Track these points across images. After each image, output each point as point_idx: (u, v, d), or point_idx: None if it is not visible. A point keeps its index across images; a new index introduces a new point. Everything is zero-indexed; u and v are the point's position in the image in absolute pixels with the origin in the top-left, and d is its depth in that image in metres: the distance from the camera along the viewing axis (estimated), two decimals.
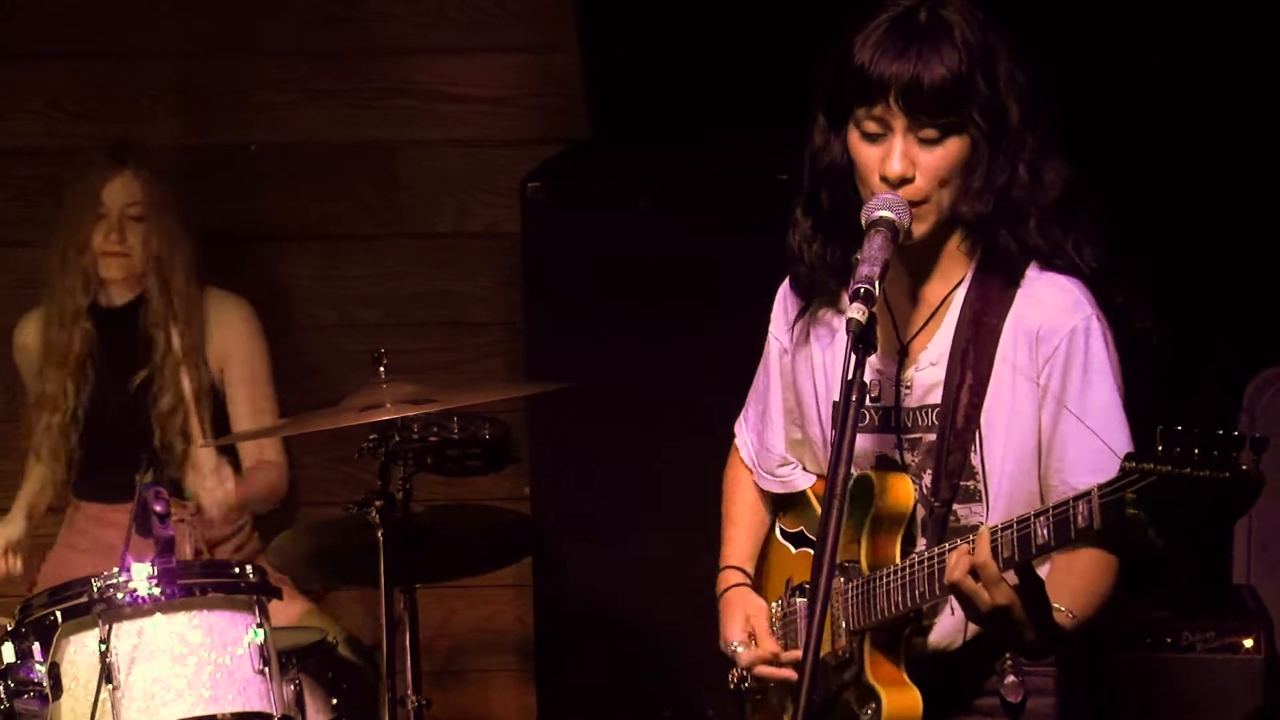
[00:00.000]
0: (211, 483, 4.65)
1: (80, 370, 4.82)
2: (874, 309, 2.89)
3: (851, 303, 2.89)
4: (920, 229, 3.05)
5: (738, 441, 3.54)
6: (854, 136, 3.08)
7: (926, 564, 3.04)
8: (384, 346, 4.27)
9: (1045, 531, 2.85)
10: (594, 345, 4.89)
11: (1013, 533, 2.90)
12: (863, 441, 3.01)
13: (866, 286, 2.89)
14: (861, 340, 2.89)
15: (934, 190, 3.05)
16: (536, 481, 5.04)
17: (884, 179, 3.03)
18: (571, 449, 4.96)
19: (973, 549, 2.94)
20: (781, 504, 3.49)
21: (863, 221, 3.01)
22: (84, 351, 4.82)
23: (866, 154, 3.06)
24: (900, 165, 3.03)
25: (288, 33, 5.37)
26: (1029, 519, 2.88)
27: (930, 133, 3.03)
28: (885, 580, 3.12)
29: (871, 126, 3.05)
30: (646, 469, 4.84)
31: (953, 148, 3.04)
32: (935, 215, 3.07)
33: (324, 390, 4.99)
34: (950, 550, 2.98)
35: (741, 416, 3.54)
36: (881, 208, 3.00)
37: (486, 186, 5.37)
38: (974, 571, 2.92)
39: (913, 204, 3.03)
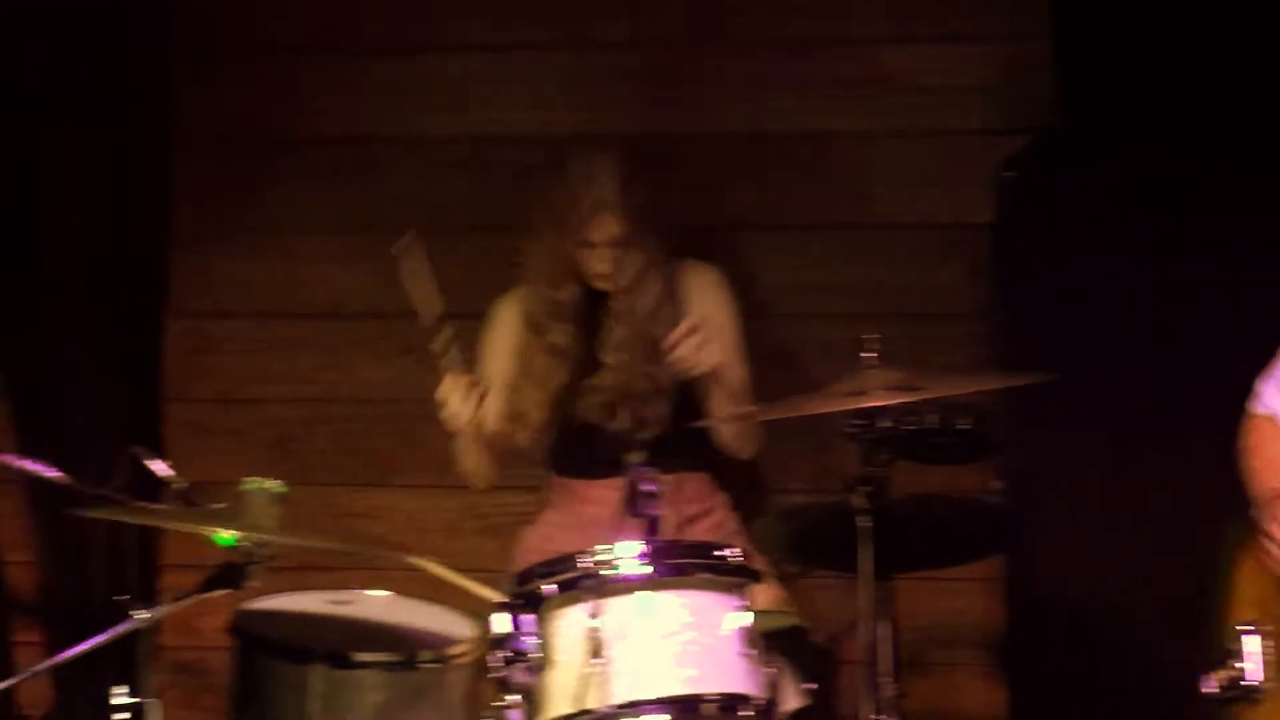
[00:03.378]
0: None
1: (563, 356, 4.92)
2: None
3: None
4: None
5: (1260, 406, 3.41)
6: None
7: None
8: (857, 335, 4.26)
9: None
10: (1068, 340, 4.82)
11: None
12: None
13: None
14: None
15: None
16: (1009, 476, 4.96)
17: None
18: (1045, 444, 4.88)
19: None
20: None
21: None
22: (567, 344, 4.92)
23: None
24: None
25: (754, 22, 5.39)
26: None
27: None
28: None
29: None
30: (1122, 468, 4.73)
31: None
32: None
33: (797, 379, 4.99)
34: None
35: (1264, 382, 3.41)
36: None
37: (957, 176, 5.31)
38: None
39: None
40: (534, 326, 4.97)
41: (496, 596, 4.79)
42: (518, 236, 5.01)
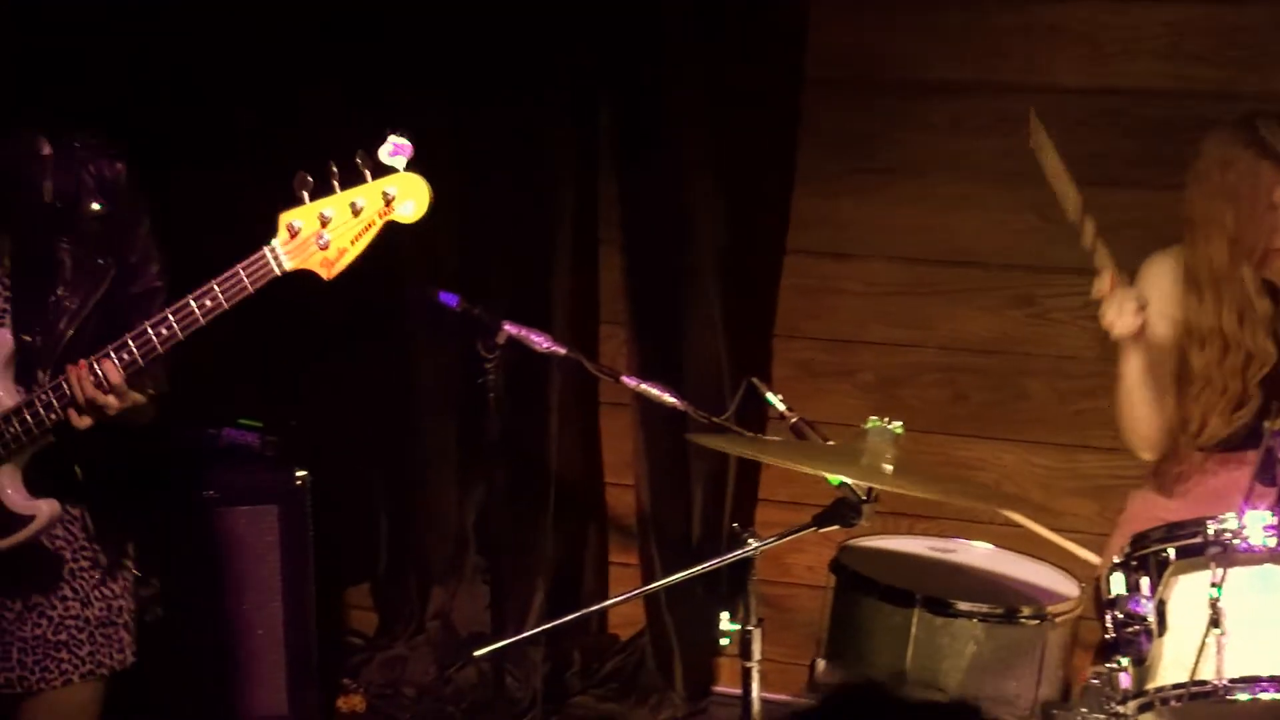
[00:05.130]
0: None
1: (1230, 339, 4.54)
2: None
3: None
4: None
5: None
6: None
7: None
8: None
9: None
10: None
11: None
12: None
13: None
14: None
15: None
16: None
17: None
18: None
19: None
20: None
21: None
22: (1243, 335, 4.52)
23: None
24: None
25: None
26: None
27: None
28: None
29: None
30: None
31: None
32: None
33: None
34: None
35: None
36: None
37: None
38: None
39: None
40: (1194, 317, 4.55)
41: (1092, 559, 4.72)
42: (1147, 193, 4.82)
